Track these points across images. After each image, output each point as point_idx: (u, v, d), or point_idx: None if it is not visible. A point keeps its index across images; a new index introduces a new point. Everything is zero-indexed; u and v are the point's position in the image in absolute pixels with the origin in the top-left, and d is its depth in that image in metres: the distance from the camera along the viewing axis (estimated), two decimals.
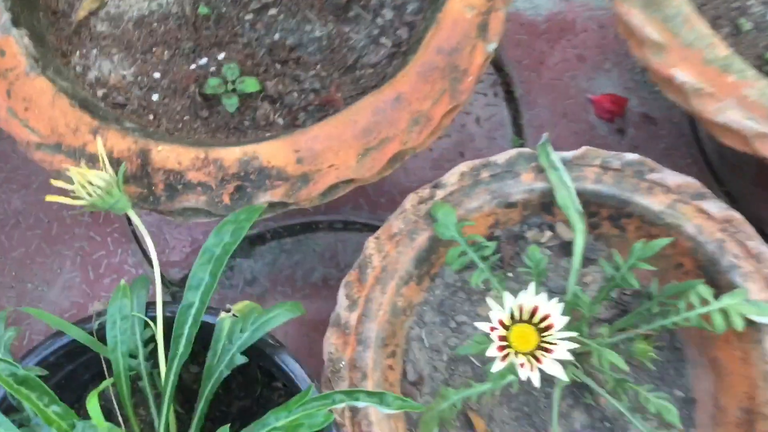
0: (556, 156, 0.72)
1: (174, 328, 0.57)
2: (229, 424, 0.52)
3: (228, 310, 0.61)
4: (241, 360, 0.58)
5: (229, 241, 0.55)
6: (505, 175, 0.73)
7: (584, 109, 0.96)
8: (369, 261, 0.71)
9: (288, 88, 0.74)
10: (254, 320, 0.57)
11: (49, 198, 0.59)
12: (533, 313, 0.58)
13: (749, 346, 0.68)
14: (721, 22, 0.73)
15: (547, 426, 0.71)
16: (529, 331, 0.58)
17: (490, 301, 0.58)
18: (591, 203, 0.73)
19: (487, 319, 0.58)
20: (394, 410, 0.55)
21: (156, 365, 0.61)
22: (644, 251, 0.65)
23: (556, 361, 0.57)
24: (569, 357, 0.56)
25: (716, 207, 0.70)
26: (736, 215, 0.70)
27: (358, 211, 0.94)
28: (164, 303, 0.59)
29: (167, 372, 0.56)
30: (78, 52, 0.76)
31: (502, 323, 0.58)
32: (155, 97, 0.74)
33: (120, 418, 0.61)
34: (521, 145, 0.94)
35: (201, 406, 0.59)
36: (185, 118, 0.74)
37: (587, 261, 0.75)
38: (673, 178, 0.71)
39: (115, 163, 0.65)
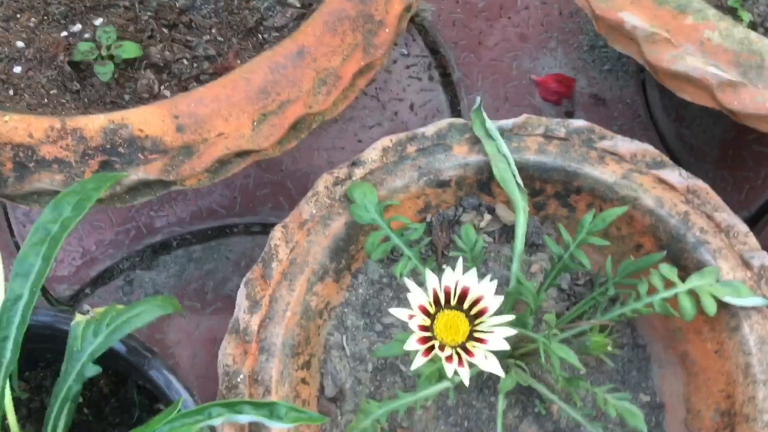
0: (492, 124, 0.62)
1: None
2: None
3: (86, 312, 0.48)
4: (93, 371, 0.46)
5: (69, 216, 0.43)
6: (435, 149, 0.63)
7: (528, 92, 0.86)
8: (274, 253, 0.60)
9: (177, 55, 0.63)
10: (111, 321, 0.45)
11: None
12: (463, 297, 0.47)
13: (724, 335, 0.57)
14: None
15: None
16: (459, 318, 0.47)
17: (409, 282, 0.47)
18: (534, 179, 0.62)
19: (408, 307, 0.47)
20: (288, 424, 0.43)
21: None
22: (595, 224, 0.55)
23: (491, 353, 0.46)
24: (505, 346, 0.45)
25: (677, 176, 0.61)
26: (701, 184, 0.60)
27: (279, 211, 0.83)
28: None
29: None
30: None
31: (424, 309, 0.47)
32: (17, 69, 0.63)
33: None
34: None
35: None
36: (52, 91, 0.62)
37: (533, 248, 0.65)
38: (626, 145, 0.62)
39: None
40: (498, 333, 0.46)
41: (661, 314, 0.58)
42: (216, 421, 0.42)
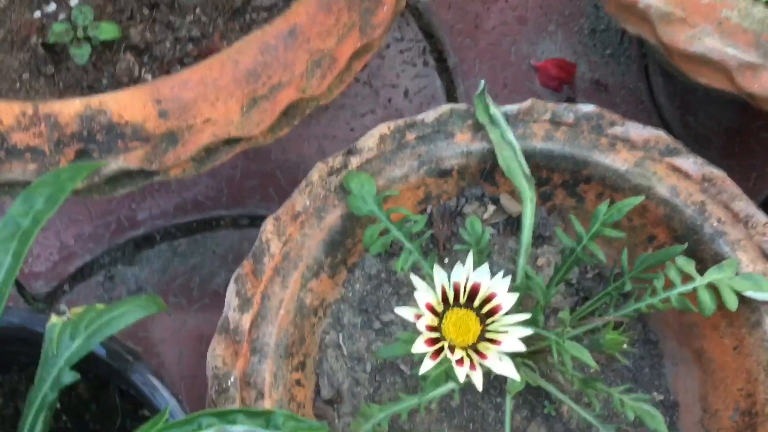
0: (496, 110, 0.58)
1: None
2: None
3: (62, 312, 0.44)
4: (71, 377, 0.42)
5: (41, 209, 0.39)
6: (436, 136, 0.59)
7: (527, 78, 0.83)
8: (266, 248, 0.56)
9: (159, 37, 0.59)
10: (90, 322, 0.41)
11: None
12: (473, 294, 0.44)
13: (744, 331, 0.54)
14: None
15: None
16: (469, 317, 0.43)
17: (415, 279, 0.43)
18: (541, 167, 0.59)
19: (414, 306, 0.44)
20: None
21: None
22: (610, 214, 0.51)
23: (505, 355, 0.42)
24: (521, 348, 0.42)
25: (693, 163, 0.57)
26: (717, 172, 0.57)
27: (268, 203, 0.79)
28: None
29: None
30: None
31: (431, 308, 0.43)
32: None
33: None
34: None
35: None
36: (24, 76, 0.58)
37: (539, 240, 0.61)
38: (638, 131, 0.58)
39: None
40: (513, 333, 0.42)
41: (675, 309, 0.54)
42: None
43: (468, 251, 0.55)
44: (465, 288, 0.43)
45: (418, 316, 0.43)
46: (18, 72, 0.58)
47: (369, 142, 0.59)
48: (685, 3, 0.53)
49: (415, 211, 0.61)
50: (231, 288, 0.55)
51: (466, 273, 0.43)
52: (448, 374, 0.47)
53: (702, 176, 0.57)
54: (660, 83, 0.83)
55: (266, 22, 0.58)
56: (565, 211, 0.61)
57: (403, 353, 0.49)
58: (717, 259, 0.55)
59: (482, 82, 0.59)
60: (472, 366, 0.42)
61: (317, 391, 0.58)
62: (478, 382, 0.41)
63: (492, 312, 0.43)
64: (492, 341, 0.43)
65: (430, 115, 0.60)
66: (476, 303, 0.44)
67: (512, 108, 0.59)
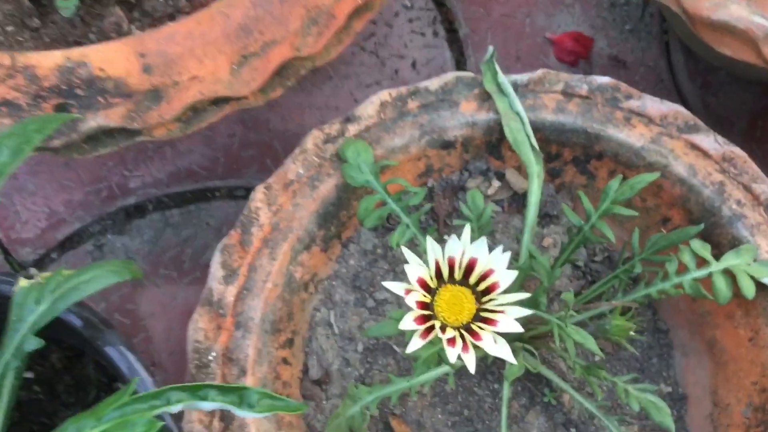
0: (505, 78, 0.55)
1: None
2: None
3: (31, 276, 0.42)
4: (35, 344, 0.39)
5: (5, 161, 0.36)
6: (440, 105, 0.56)
7: (542, 51, 0.79)
8: (255, 217, 0.53)
9: None
10: (57, 287, 0.38)
11: None
12: (469, 270, 0.40)
13: (760, 321, 0.51)
14: None
15: None
16: (464, 295, 0.40)
17: (407, 251, 0.40)
18: (551, 141, 0.55)
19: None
20: (260, 413, 0.36)
21: None
22: (622, 191, 0.48)
23: (501, 336, 0.39)
24: (518, 328, 0.38)
25: (712, 141, 0.54)
26: (738, 152, 0.53)
27: (265, 174, 0.75)
28: None
29: None
30: None
31: (423, 284, 0.40)
32: None
33: None
34: None
35: None
36: (8, 28, 0.55)
37: (546, 219, 0.58)
38: (656, 106, 0.55)
39: None
40: (510, 313, 0.39)
41: (688, 296, 0.51)
42: (174, 408, 0.36)
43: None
44: (461, 263, 0.40)
45: (408, 291, 0.40)
46: (2, 24, 0.55)
47: (368, 109, 0.55)
48: None
49: (416, 184, 0.58)
50: (216, 258, 0.52)
51: (462, 247, 0.40)
52: (441, 356, 0.44)
53: (722, 155, 0.53)
54: (681, 62, 0.79)
55: None
56: (575, 189, 0.57)
57: (394, 332, 0.46)
58: (735, 243, 0.51)
59: (490, 48, 0.55)
60: (465, 347, 0.39)
61: (305, 371, 0.55)
62: (471, 364, 0.38)
63: (489, 290, 0.40)
64: (487, 321, 0.39)
65: (434, 83, 0.56)
66: (472, 280, 0.40)
67: (522, 77, 0.56)
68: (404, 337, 0.54)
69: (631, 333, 0.48)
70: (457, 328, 0.39)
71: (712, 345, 0.54)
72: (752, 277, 0.49)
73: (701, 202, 0.52)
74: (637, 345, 0.56)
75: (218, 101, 0.49)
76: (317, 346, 0.55)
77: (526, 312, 0.39)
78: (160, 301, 0.72)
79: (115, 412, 0.36)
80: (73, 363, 0.49)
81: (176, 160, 0.76)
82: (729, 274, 0.49)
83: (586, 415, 0.54)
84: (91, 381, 0.49)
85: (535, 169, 0.53)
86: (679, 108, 0.55)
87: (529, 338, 0.52)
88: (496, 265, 0.40)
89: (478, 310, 0.40)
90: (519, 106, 0.54)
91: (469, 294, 0.40)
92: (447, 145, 0.56)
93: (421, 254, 0.50)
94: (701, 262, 0.50)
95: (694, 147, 0.53)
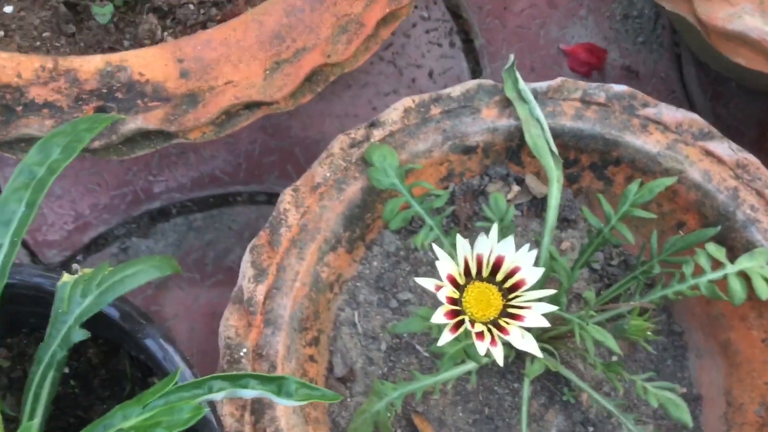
0: (525, 86, 0.57)
1: None
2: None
3: (75, 272, 0.43)
4: (81, 335, 0.41)
5: (57, 158, 0.38)
6: (462, 111, 0.57)
7: (556, 62, 0.81)
8: (284, 218, 0.55)
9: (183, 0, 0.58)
10: (102, 281, 0.40)
11: None
12: (496, 268, 0.42)
13: None
14: None
15: None
16: (491, 291, 0.42)
17: (437, 249, 0.42)
18: (569, 147, 0.57)
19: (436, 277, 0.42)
20: (298, 402, 0.38)
21: None
22: (641, 195, 0.49)
23: (527, 331, 0.41)
24: (544, 323, 0.40)
25: (726, 148, 0.55)
26: (751, 158, 0.55)
27: (286, 180, 0.77)
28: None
29: None
30: None
31: (452, 280, 0.42)
32: (8, 8, 0.57)
33: None
34: None
35: (29, 404, 0.41)
36: (45, 34, 0.57)
37: (564, 223, 0.59)
38: (671, 113, 0.56)
39: None
40: (536, 309, 0.41)
41: (702, 298, 0.53)
42: (217, 396, 0.37)
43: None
44: (488, 260, 0.42)
45: (439, 287, 0.41)
46: (39, 30, 0.57)
47: (393, 115, 0.57)
48: None
49: (438, 188, 0.59)
50: (246, 258, 0.54)
51: (491, 245, 0.42)
52: (467, 352, 0.46)
53: (736, 162, 0.55)
54: (692, 73, 0.81)
55: None
56: (592, 194, 0.59)
57: (418, 329, 0.47)
58: (748, 247, 0.53)
59: (511, 56, 0.57)
60: (493, 341, 0.40)
61: (330, 369, 0.56)
62: (499, 357, 0.40)
63: (515, 287, 0.42)
64: (514, 317, 0.41)
65: (456, 90, 0.58)
66: (499, 277, 0.42)
67: (542, 85, 0.58)
68: (426, 336, 0.56)
69: (648, 333, 0.50)
70: (485, 324, 0.41)
71: (725, 347, 0.56)
72: (766, 279, 0.50)
73: (716, 207, 0.54)
74: (652, 346, 0.57)
75: (251, 105, 0.51)
76: (342, 345, 0.57)
77: (553, 308, 0.41)
78: (184, 303, 0.73)
79: (160, 400, 0.37)
80: (108, 358, 0.51)
81: (200, 166, 0.77)
82: (744, 276, 0.51)
83: (603, 414, 0.55)
84: (126, 376, 0.50)
85: (555, 173, 0.55)
86: (694, 116, 0.56)
87: (549, 338, 0.54)
88: (523, 262, 0.41)
89: (505, 306, 0.42)
90: (539, 112, 0.56)
91: (495, 291, 0.42)
92: (468, 150, 0.58)
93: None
94: (716, 265, 0.51)
95: (709, 153, 0.55)
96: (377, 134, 0.57)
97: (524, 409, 0.53)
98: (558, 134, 0.56)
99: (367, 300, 0.58)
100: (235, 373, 0.38)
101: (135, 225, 0.76)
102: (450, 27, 0.83)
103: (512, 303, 0.42)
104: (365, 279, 0.58)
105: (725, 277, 0.50)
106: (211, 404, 0.43)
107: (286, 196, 0.55)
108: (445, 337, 0.41)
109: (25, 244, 0.75)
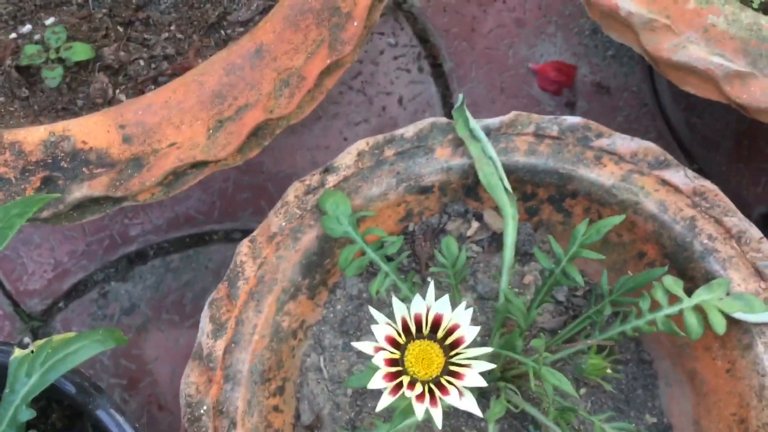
0: (476, 124, 0.56)
1: None
2: None
3: (25, 345, 0.44)
4: (28, 415, 0.41)
5: None
6: (416, 152, 0.57)
7: (526, 82, 0.80)
8: (240, 271, 0.55)
9: (133, 56, 0.58)
10: (46, 358, 0.41)
11: None
12: (436, 325, 0.42)
13: (736, 353, 0.52)
14: None
15: None
16: (433, 349, 0.42)
17: (373, 311, 0.42)
18: (525, 182, 0.57)
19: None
20: None
21: None
22: (589, 235, 0.49)
23: (467, 389, 0.40)
24: (482, 383, 0.40)
25: (682, 176, 0.55)
26: (709, 185, 0.54)
27: (260, 216, 0.78)
28: None
29: None
30: None
31: (391, 340, 0.41)
32: None
33: None
34: None
35: None
36: None
37: (526, 257, 0.59)
38: (626, 143, 0.56)
39: None
40: (476, 367, 0.41)
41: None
42: None
43: (445, 273, 0.53)
44: (427, 319, 0.42)
45: (378, 349, 0.41)
46: None
47: (346, 159, 0.57)
48: (670, 9, 0.51)
49: (397, 229, 0.59)
50: (205, 313, 0.54)
51: (428, 304, 0.41)
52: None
53: (693, 190, 0.54)
54: (665, 84, 0.80)
55: (241, 37, 0.57)
56: (552, 226, 0.59)
57: (368, 383, 0.47)
58: (708, 277, 0.52)
59: (460, 96, 0.57)
60: (433, 401, 0.40)
61: (297, 416, 0.57)
62: (438, 419, 0.40)
63: (456, 343, 0.42)
64: (455, 375, 0.41)
65: (410, 130, 0.58)
66: (439, 334, 0.42)
67: (494, 121, 0.57)
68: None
69: (608, 371, 0.49)
70: (427, 382, 0.41)
71: (692, 376, 0.55)
72: (724, 312, 0.50)
73: (673, 238, 0.53)
74: (620, 378, 0.57)
75: (197, 165, 0.51)
76: (308, 391, 0.57)
77: (491, 366, 0.41)
78: (164, 345, 0.74)
79: None
80: (73, 421, 0.51)
81: (174, 206, 0.78)
82: (700, 310, 0.50)
83: None
84: None
85: (510, 211, 0.55)
86: (649, 144, 0.56)
87: (512, 377, 0.54)
88: (461, 320, 0.41)
89: (447, 363, 0.42)
90: (491, 150, 0.56)
91: (437, 348, 0.42)
92: (424, 191, 0.57)
93: (404, 300, 0.52)
94: (674, 299, 0.51)
95: (665, 182, 0.54)
96: (331, 180, 0.57)
97: None
98: (512, 170, 0.56)
99: (332, 344, 0.58)
100: None
101: (113, 269, 0.77)
102: (418, 52, 0.83)
103: (454, 360, 0.41)
104: (329, 323, 0.59)
105: (681, 311, 0.50)
106: None
107: (243, 248, 0.56)
108: (385, 400, 0.41)
109: (8, 295, 0.76)
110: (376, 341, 0.42)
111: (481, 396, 0.55)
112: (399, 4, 0.83)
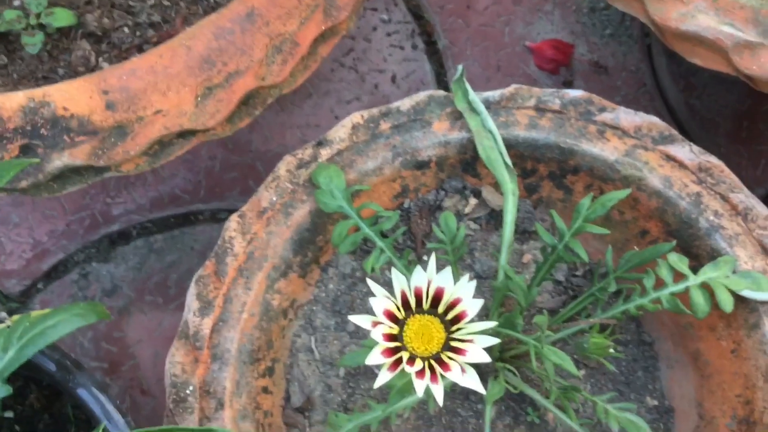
0: (476, 96, 0.54)
1: None
2: None
3: (2, 320, 0.41)
4: (3, 392, 0.39)
5: None
6: (412, 125, 0.55)
7: (522, 60, 0.79)
8: (229, 247, 0.53)
9: (117, 23, 0.56)
10: (23, 333, 0.38)
11: None
12: (437, 300, 0.40)
13: (742, 333, 0.50)
14: None
15: None
16: (433, 324, 0.40)
17: (371, 283, 0.40)
18: (526, 157, 0.55)
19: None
20: None
21: None
22: (593, 209, 0.47)
23: (469, 365, 0.39)
24: (486, 359, 0.38)
25: (688, 152, 0.53)
26: (714, 161, 0.53)
27: (248, 196, 0.74)
28: None
29: None
30: None
31: (390, 315, 0.39)
32: None
33: None
34: None
35: None
36: None
37: (525, 235, 0.57)
38: (629, 118, 0.54)
39: None
40: (478, 342, 0.39)
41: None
42: None
43: (443, 249, 0.51)
44: (428, 293, 0.40)
45: (376, 324, 0.39)
46: None
47: (340, 132, 0.55)
48: None
49: (392, 205, 0.57)
50: (191, 290, 0.52)
51: (429, 276, 0.39)
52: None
53: (698, 166, 0.52)
54: (663, 64, 0.78)
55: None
56: (552, 203, 0.57)
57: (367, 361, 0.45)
58: (713, 255, 0.50)
59: (460, 67, 0.55)
60: (434, 378, 0.38)
61: (287, 398, 0.55)
62: (439, 396, 0.38)
63: (457, 319, 0.40)
64: (456, 350, 0.39)
65: (406, 103, 0.56)
66: (440, 309, 0.40)
67: (494, 94, 0.55)
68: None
69: (611, 350, 0.48)
70: (427, 359, 0.39)
71: (696, 357, 0.54)
72: (730, 290, 0.48)
73: (678, 215, 0.52)
74: (620, 360, 0.55)
75: (184, 134, 0.49)
76: (299, 373, 0.55)
77: (495, 341, 0.39)
78: (147, 328, 0.72)
79: None
80: (51, 402, 0.49)
81: (158, 185, 0.75)
82: (707, 287, 0.48)
83: None
84: (70, 419, 0.48)
85: (510, 186, 0.53)
86: (654, 119, 0.54)
87: (511, 357, 0.52)
88: (463, 293, 0.39)
89: (448, 339, 0.40)
90: (491, 123, 0.54)
91: (437, 323, 0.40)
92: (421, 166, 0.55)
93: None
94: (679, 276, 0.49)
95: (670, 158, 0.53)
96: (325, 153, 0.54)
97: (487, 431, 0.51)
98: (512, 145, 0.54)
99: (323, 324, 0.56)
100: (163, 427, 0.36)
101: (94, 250, 0.74)
102: (412, 29, 0.80)
103: (455, 336, 0.40)
104: (321, 302, 0.56)
105: (687, 289, 0.48)
106: None
107: (232, 223, 0.53)
108: (384, 377, 0.39)
109: None
110: (374, 316, 0.40)
111: (479, 377, 0.53)
112: None
